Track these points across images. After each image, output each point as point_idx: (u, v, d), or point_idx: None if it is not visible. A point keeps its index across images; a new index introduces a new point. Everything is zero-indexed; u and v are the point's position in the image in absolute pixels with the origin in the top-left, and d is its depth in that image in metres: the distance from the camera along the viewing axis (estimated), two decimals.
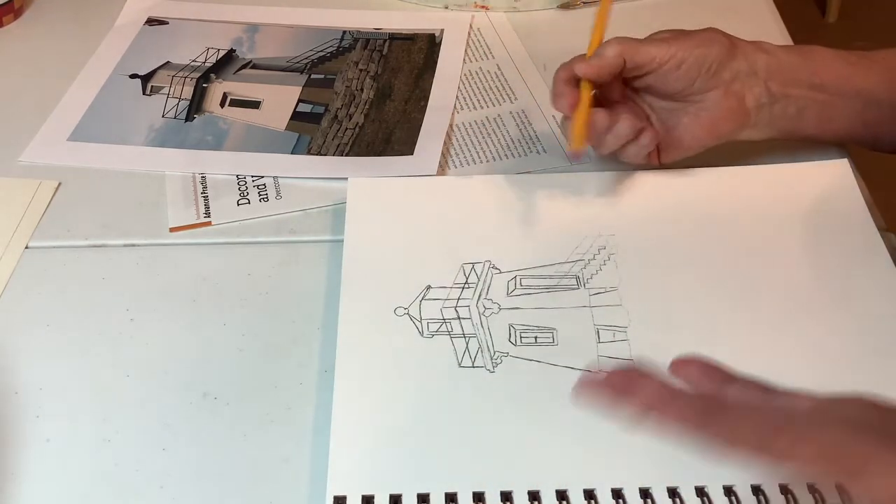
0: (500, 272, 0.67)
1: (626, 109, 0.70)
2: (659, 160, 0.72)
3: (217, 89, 0.86)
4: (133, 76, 0.87)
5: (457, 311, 0.64)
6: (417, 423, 0.58)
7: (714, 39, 0.69)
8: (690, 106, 0.69)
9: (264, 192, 0.75)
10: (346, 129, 0.81)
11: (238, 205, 0.74)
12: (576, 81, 0.68)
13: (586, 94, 0.67)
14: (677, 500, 0.54)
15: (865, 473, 0.42)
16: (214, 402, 0.61)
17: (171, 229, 0.73)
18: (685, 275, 0.66)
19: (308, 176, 0.76)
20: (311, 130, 0.81)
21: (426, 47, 0.91)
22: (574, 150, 0.66)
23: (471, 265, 0.67)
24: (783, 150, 0.75)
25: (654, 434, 0.45)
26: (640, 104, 0.72)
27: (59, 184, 0.76)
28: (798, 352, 0.61)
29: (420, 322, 0.64)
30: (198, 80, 0.87)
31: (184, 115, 0.83)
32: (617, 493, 0.54)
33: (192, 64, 0.89)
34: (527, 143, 0.80)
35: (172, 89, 0.86)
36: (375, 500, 0.54)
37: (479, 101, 0.85)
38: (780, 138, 0.73)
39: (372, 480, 0.55)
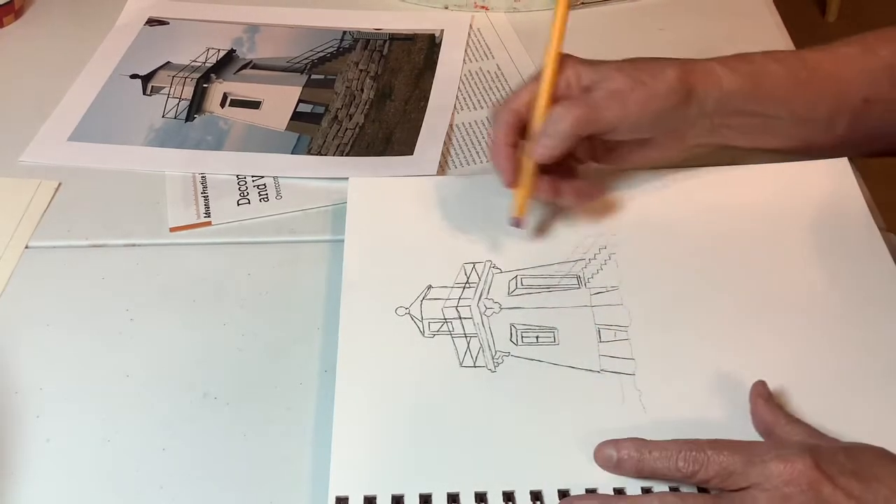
0: (501, 272, 0.67)
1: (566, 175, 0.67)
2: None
3: (217, 89, 0.86)
4: (133, 76, 0.87)
5: (458, 311, 0.64)
6: (419, 424, 0.58)
7: (671, 90, 0.65)
8: (631, 142, 0.68)
9: (264, 192, 0.75)
10: (347, 129, 0.81)
11: (238, 205, 0.74)
12: (517, 142, 0.65)
13: (532, 169, 0.65)
14: None
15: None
16: (214, 402, 0.61)
17: (171, 229, 0.73)
18: (686, 274, 0.66)
19: (308, 176, 0.76)
20: (312, 130, 0.81)
21: (426, 47, 0.91)
22: (516, 218, 0.66)
23: (472, 265, 0.67)
24: None
25: None
26: None
27: (59, 184, 0.76)
28: (797, 350, 0.61)
29: (421, 322, 0.64)
30: (198, 80, 0.87)
31: (184, 116, 0.83)
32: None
33: (193, 64, 0.89)
34: None
35: (173, 89, 0.86)
36: (377, 501, 0.54)
37: (479, 101, 0.84)
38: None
39: (374, 481, 0.55)
